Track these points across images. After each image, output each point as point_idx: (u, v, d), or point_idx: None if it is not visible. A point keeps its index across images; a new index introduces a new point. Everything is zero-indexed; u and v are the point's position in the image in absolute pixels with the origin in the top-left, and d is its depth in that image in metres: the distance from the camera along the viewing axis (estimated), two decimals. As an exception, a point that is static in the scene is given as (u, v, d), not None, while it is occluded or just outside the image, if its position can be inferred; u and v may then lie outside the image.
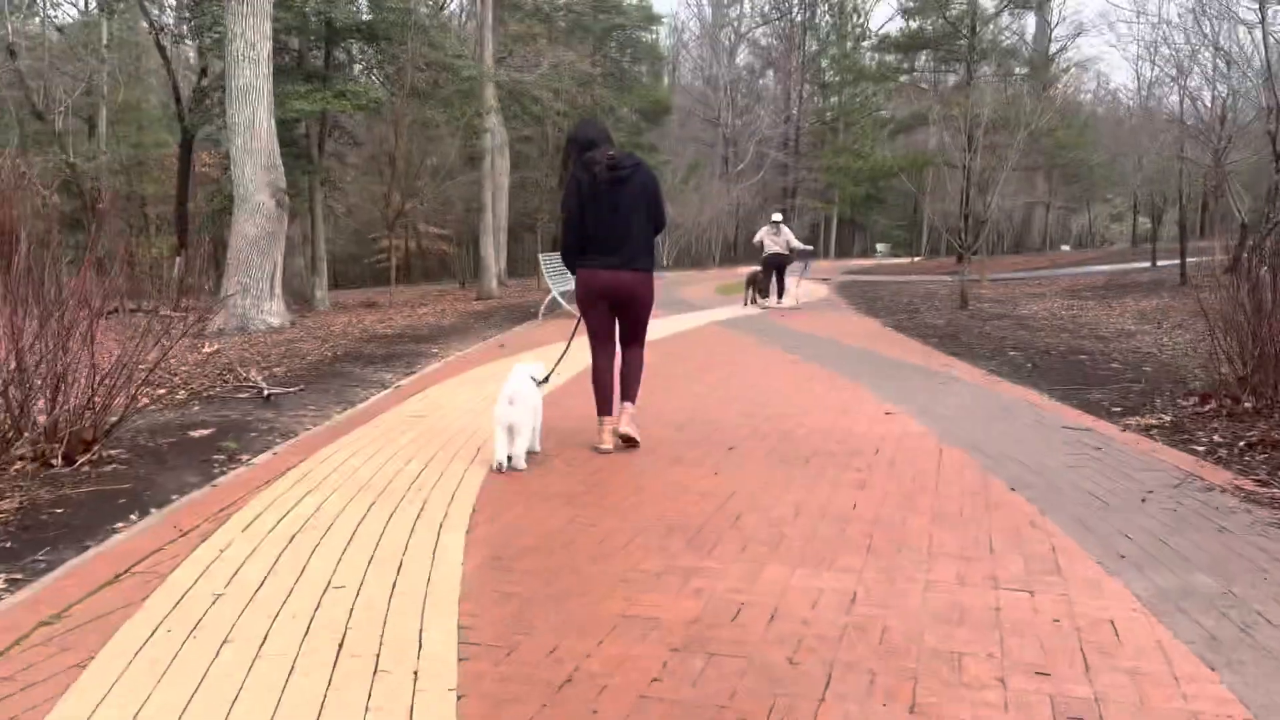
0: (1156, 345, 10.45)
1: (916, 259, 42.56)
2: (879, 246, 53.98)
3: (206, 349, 10.75)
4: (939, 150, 33.55)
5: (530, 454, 5.04)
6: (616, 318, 5.36)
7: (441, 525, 3.98)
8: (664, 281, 26.95)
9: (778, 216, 16.84)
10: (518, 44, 25.69)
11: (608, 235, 5.11)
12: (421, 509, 4.21)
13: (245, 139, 13.27)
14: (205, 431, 6.18)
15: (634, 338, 5.46)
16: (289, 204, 13.84)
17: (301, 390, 7.74)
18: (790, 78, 53.99)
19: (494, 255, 20.47)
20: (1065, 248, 50.32)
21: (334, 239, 40.11)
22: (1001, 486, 4.58)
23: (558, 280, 14.20)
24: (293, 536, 3.84)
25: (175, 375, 8.66)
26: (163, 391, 7.76)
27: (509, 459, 4.83)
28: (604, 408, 5.38)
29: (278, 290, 13.60)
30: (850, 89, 51.96)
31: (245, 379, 8.04)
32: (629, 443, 5.27)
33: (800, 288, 19.43)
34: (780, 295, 16.45)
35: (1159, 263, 25.22)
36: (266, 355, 9.99)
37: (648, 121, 40.81)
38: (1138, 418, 6.37)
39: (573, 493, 4.46)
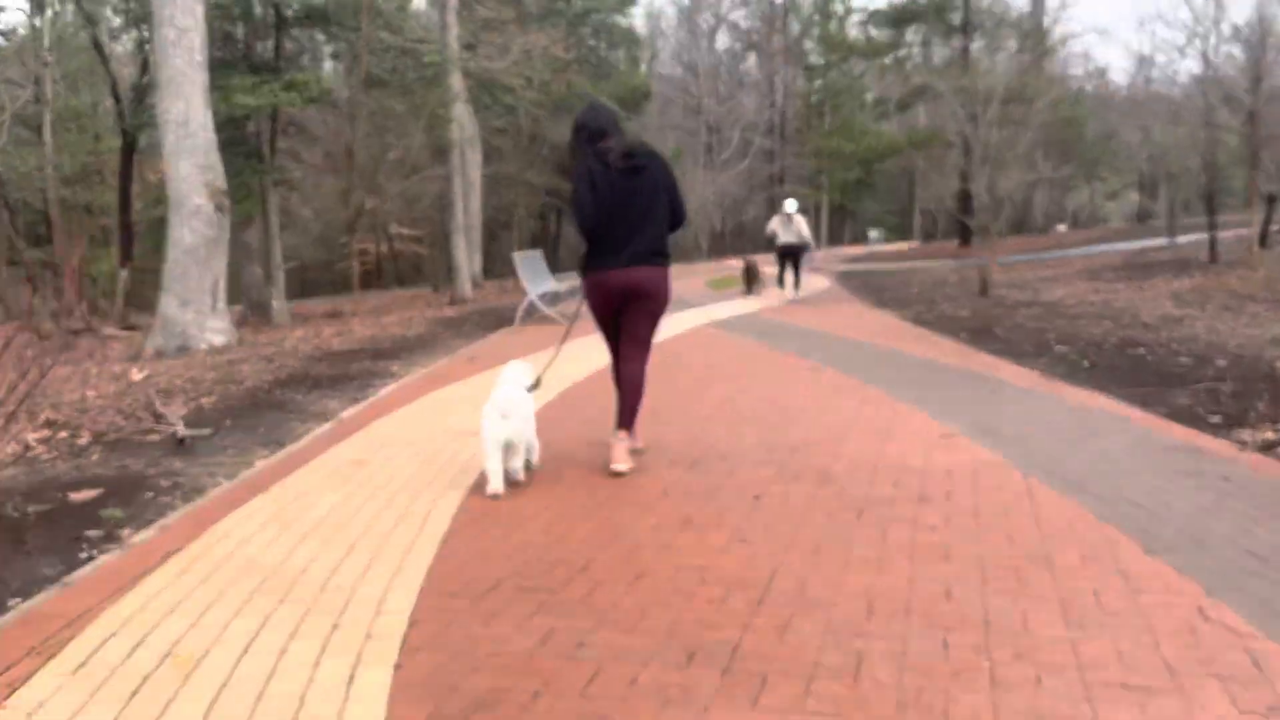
0: (1211, 331, 9.36)
1: (913, 245, 41.50)
2: (871, 233, 52.95)
3: (136, 376, 9.54)
4: (935, 127, 32.44)
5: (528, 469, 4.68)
6: (621, 321, 4.91)
7: (361, 653, 2.80)
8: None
9: (791, 207, 16.19)
10: (486, 29, 24.46)
11: (620, 232, 4.70)
12: (337, 622, 3.03)
13: (178, 135, 12.04)
14: (91, 493, 4.98)
15: (639, 343, 4.95)
16: (230, 207, 12.60)
17: (226, 428, 6.54)
18: (773, 61, 52.85)
19: (466, 256, 19.27)
20: (1061, 228, 49.34)
21: (299, 244, 38.90)
22: (1134, 548, 3.43)
23: (535, 281, 13.04)
24: (145, 679, 2.67)
25: (86, 411, 7.46)
26: (64, 435, 6.58)
27: (508, 475, 4.44)
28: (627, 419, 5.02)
29: (222, 304, 12.37)
30: (837, 69, 50.88)
31: (161, 416, 6.84)
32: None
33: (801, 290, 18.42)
34: (796, 285, 15.90)
35: (1175, 240, 24.31)
36: (199, 382, 8.78)
37: (626, 109, 39.56)
38: (1249, 430, 5.25)
39: (551, 582, 3.29)
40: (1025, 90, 22.31)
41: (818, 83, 52.08)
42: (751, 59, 56.59)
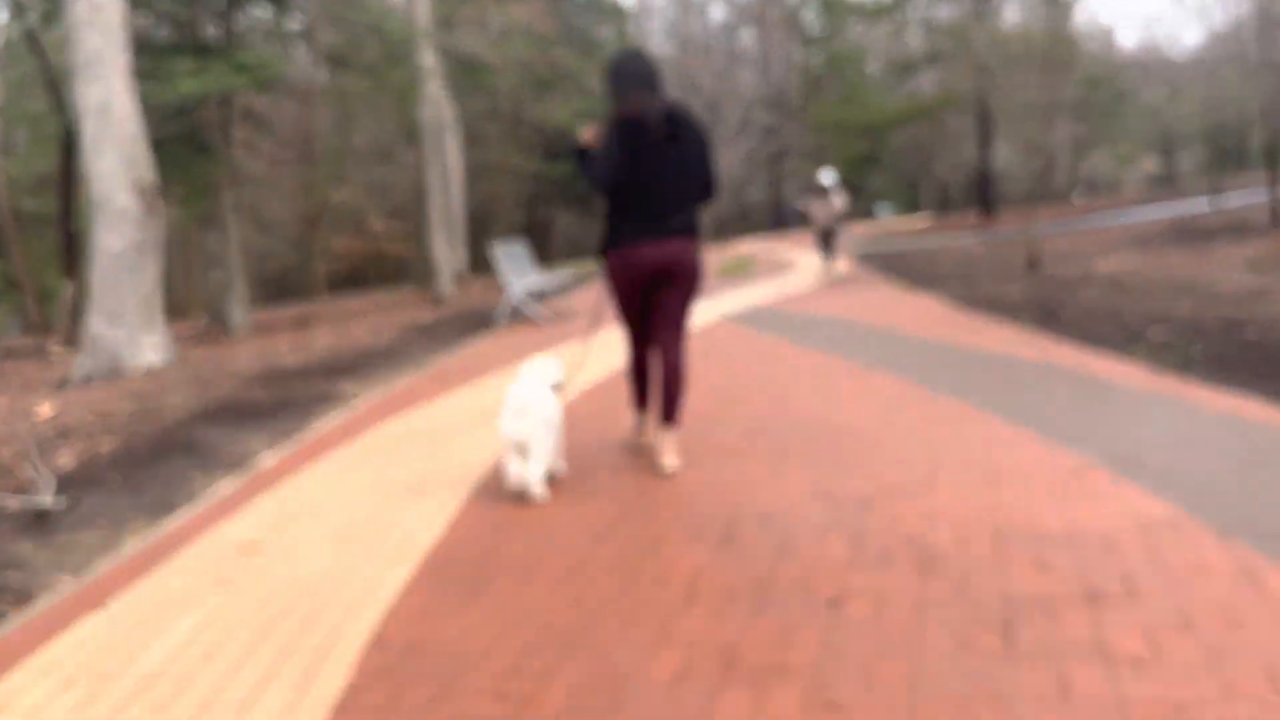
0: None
1: (928, 220, 40.00)
2: (878, 208, 51.42)
3: (46, 412, 8.14)
4: (950, 90, 30.85)
5: (552, 477, 4.27)
6: (653, 302, 4.47)
7: None
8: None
9: (829, 178, 14.67)
10: (464, 3, 23.01)
11: (653, 204, 4.33)
12: None
13: (98, 125, 10.62)
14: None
15: (675, 327, 4.50)
16: (162, 206, 11.17)
17: (110, 486, 5.13)
18: (770, 33, 51.27)
19: (447, 251, 17.85)
20: (1075, 196, 47.78)
21: (274, 246, 37.48)
22: None
23: (518, 276, 11.62)
24: None
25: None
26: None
27: (521, 485, 4.10)
28: (640, 401, 4.83)
29: (158, 317, 10.95)
30: (838, 38, 49.26)
31: (29, 481, 5.43)
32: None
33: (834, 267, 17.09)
34: (832, 257, 14.95)
35: (1219, 202, 22.89)
36: (109, 417, 7.37)
37: (618, 89, 38.06)
38: None
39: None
40: (1055, 48, 20.85)
41: (818, 54, 50.48)
42: (748, 32, 55.02)
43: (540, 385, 4.21)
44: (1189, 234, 16.94)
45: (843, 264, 16.94)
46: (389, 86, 14.91)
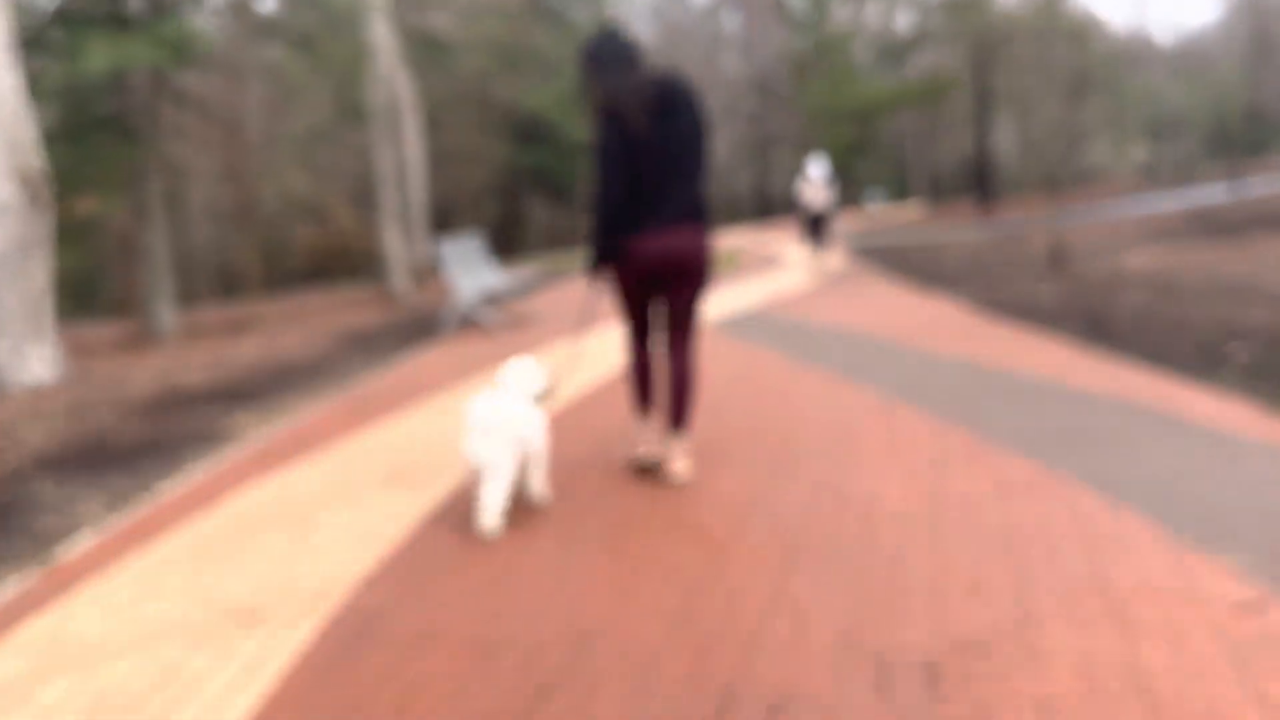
0: None
1: (924, 208, 38.73)
2: (869, 197, 50.14)
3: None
4: (943, 74, 29.54)
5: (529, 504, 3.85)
6: (660, 300, 4.09)
7: None
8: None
9: (817, 168, 14.25)
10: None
11: (653, 189, 3.91)
12: None
13: (-29, 103, 9.15)
14: None
15: (684, 325, 4.13)
16: (50, 198, 9.71)
17: None
18: (754, 16, 49.84)
19: (403, 245, 16.41)
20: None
21: (232, 239, 35.86)
22: None
23: (470, 276, 10.22)
24: None
25: None
26: None
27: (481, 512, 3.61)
28: (642, 406, 4.26)
29: (49, 324, 9.50)
30: (826, 22, 47.90)
31: None
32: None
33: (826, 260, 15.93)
34: (821, 247, 14.45)
35: (1239, 190, 21.75)
36: (-62, 459, 5.94)
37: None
38: None
39: None
40: (1057, 22, 19.63)
41: (805, 38, 49.07)
42: (731, 16, 53.59)
43: (515, 395, 3.73)
44: (1214, 225, 15.70)
45: (835, 259, 15.77)
46: (330, 62, 13.41)
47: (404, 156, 20.35)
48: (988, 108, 28.48)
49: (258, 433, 6.07)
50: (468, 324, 10.41)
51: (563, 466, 4.45)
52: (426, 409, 6.20)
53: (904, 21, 33.33)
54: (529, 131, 32.18)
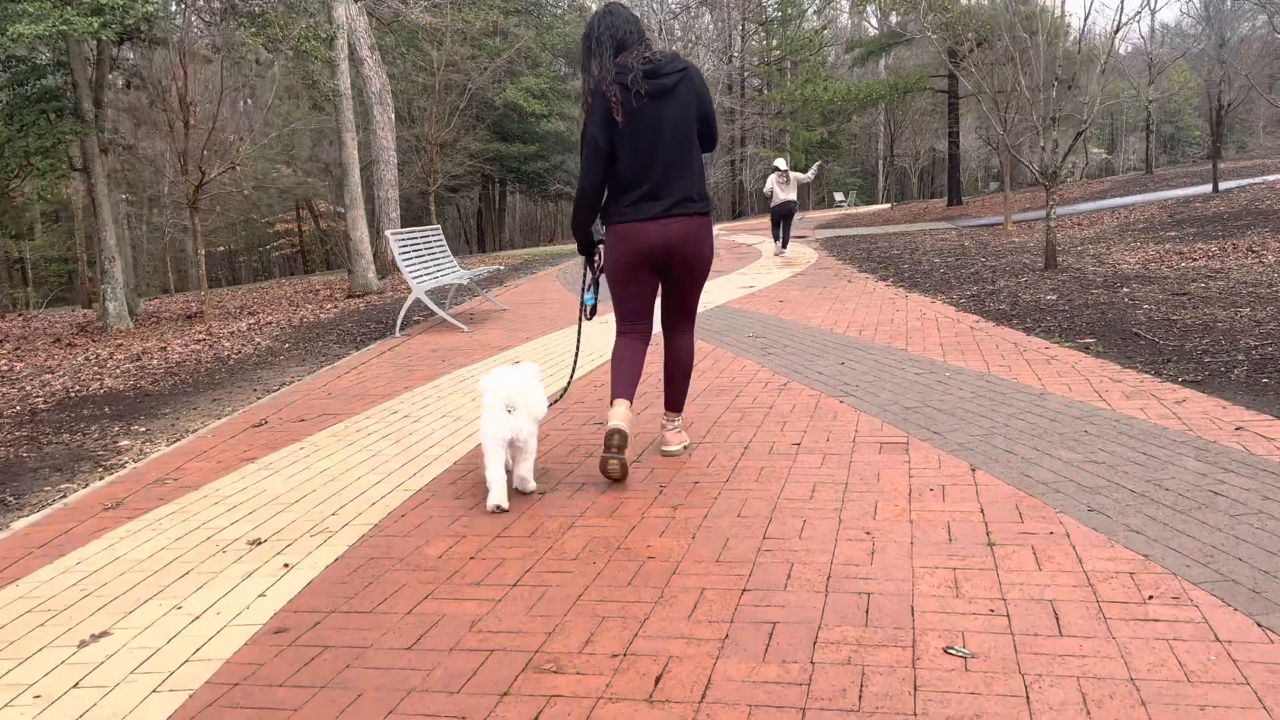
0: None
1: (893, 206, 37.56)
2: (838, 195, 49.03)
3: None
4: (918, 71, 28.28)
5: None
6: (658, 288, 3.83)
7: None
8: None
9: (783, 164, 15.58)
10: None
11: (649, 172, 3.60)
12: None
13: None
14: None
15: (685, 315, 3.93)
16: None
17: None
18: (727, 15, 48.41)
19: (367, 236, 15.01)
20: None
21: (218, 227, 34.24)
22: None
23: (419, 271, 8.89)
24: None
25: None
26: None
27: (517, 484, 3.54)
28: (620, 389, 3.72)
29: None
30: (796, 23, 46.61)
31: None
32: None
33: (789, 249, 15.03)
34: (785, 244, 15.32)
35: (1188, 188, 20.64)
36: None
37: (572, 66, 35.08)
38: None
39: None
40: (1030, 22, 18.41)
41: (777, 37, 47.75)
42: (706, 16, 52.13)
43: (530, 378, 3.48)
44: (1199, 221, 14.54)
45: (792, 251, 15.52)
46: (289, 43, 11.99)
47: (376, 145, 18.93)
48: (956, 107, 27.30)
49: (139, 459, 4.75)
50: (420, 321, 9.09)
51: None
52: (341, 434, 4.90)
53: (877, 20, 31.99)
54: (507, 123, 30.70)
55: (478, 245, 35.55)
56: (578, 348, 4.27)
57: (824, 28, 47.16)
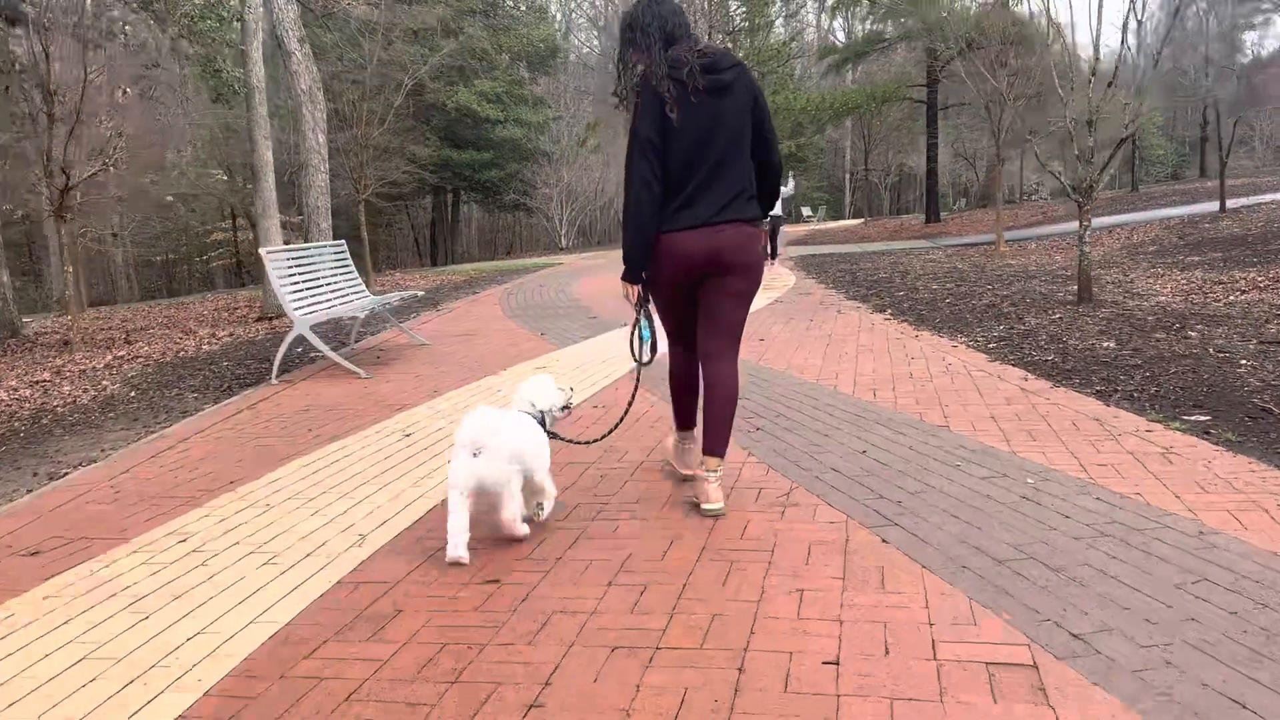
0: None
1: (865, 222, 36.07)
2: (806, 210, 47.57)
3: None
4: (893, 80, 26.77)
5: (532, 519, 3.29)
6: (702, 303, 3.46)
7: None
8: (559, 271, 19.79)
9: None
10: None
11: (696, 175, 3.28)
12: None
13: None
14: None
15: (729, 336, 3.45)
16: None
17: None
18: (696, 25, 46.90)
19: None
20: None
21: (159, 234, 32.01)
22: None
23: (307, 300, 7.02)
24: None
25: None
26: None
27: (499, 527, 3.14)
28: (684, 420, 3.74)
29: None
30: (763, 33, 45.17)
31: None
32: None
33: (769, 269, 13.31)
34: (773, 258, 14.86)
35: (1181, 207, 19.26)
36: None
37: (533, 69, 33.27)
38: None
39: None
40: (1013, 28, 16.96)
41: (744, 46, 46.25)
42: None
43: (510, 413, 3.17)
44: (1218, 244, 13.04)
45: (769, 270, 13.47)
46: (178, 21, 10.08)
47: (303, 148, 16.99)
48: (934, 120, 25.83)
49: None
50: (314, 360, 7.22)
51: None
52: (78, 589, 3.05)
53: (845, 32, 30.46)
54: (460, 129, 28.78)
55: (430, 259, 33.55)
56: (634, 393, 3.93)
57: (792, 39, 45.88)
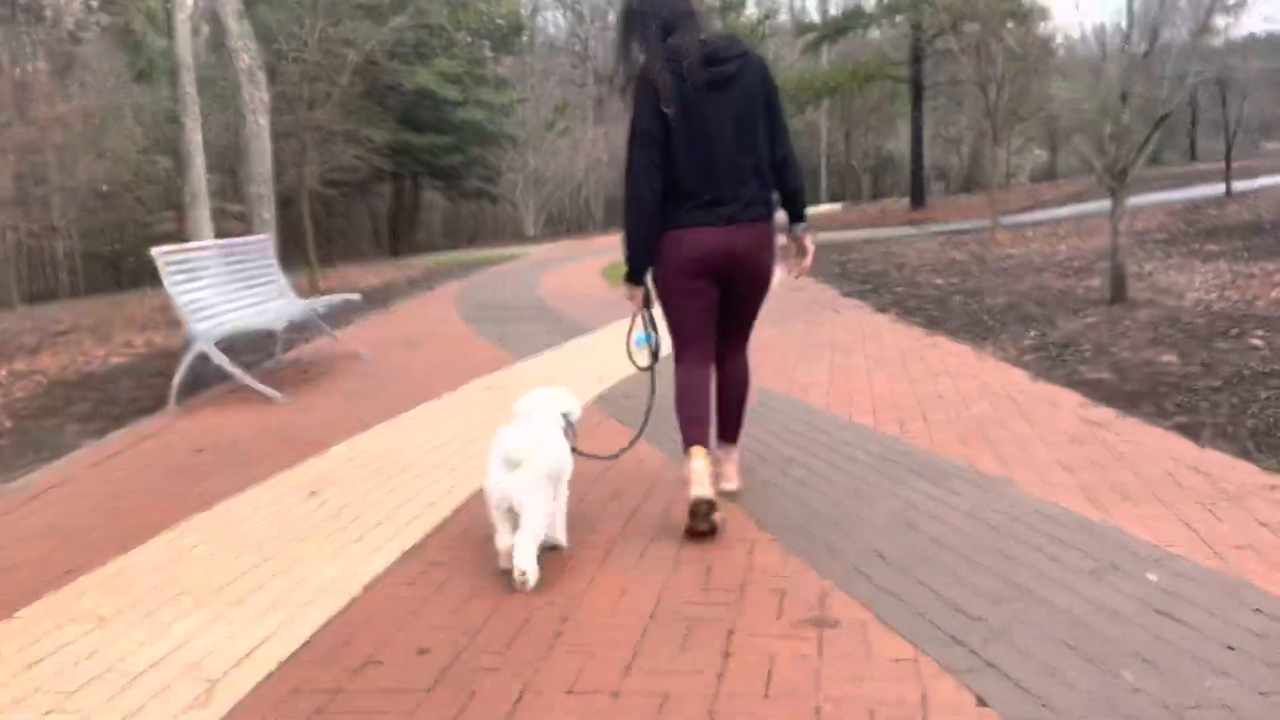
0: None
1: (846, 207, 35.25)
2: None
3: None
4: (877, 58, 25.86)
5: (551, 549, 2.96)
6: (717, 304, 3.32)
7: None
8: (523, 263, 18.76)
9: None
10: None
11: (707, 176, 3.15)
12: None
13: None
14: None
15: (740, 335, 3.47)
16: None
17: None
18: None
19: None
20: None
21: (110, 222, 30.56)
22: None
23: (214, 308, 5.96)
24: None
25: None
26: None
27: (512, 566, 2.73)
28: (697, 431, 3.20)
29: None
30: (737, 13, 44.20)
31: None
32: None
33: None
34: None
35: (1176, 191, 18.52)
36: None
37: (496, 48, 32.08)
38: None
39: None
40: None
41: (717, 23, 45.29)
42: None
43: (545, 423, 2.94)
44: (1234, 232, 12.25)
45: None
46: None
47: (243, 132, 15.83)
48: (920, 101, 24.96)
49: None
50: (219, 379, 6.17)
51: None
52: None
53: (830, 7, 29.46)
54: (419, 111, 27.55)
55: (390, 250, 32.36)
56: (650, 402, 3.56)
57: (766, 18, 45.02)
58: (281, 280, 7.04)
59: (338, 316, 9.81)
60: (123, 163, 24.24)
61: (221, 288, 6.17)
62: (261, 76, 15.90)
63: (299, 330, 8.35)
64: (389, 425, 4.95)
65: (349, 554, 3.14)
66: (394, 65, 24.83)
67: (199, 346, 5.62)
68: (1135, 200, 18.83)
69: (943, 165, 47.73)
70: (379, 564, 3.03)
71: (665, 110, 3.09)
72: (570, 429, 3.16)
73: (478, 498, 3.56)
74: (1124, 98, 7.05)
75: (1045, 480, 3.44)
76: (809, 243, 3.50)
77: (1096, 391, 4.71)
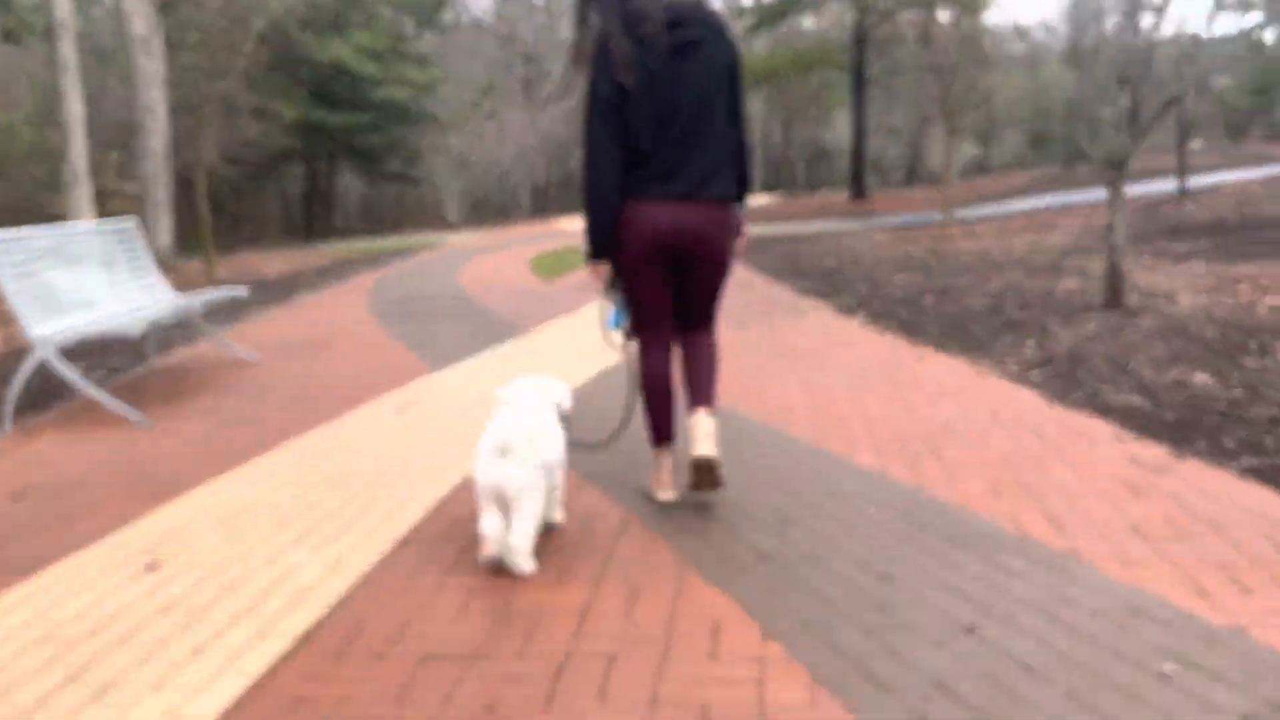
0: None
1: (783, 199, 34.70)
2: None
3: None
4: (821, 44, 25.28)
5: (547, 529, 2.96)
6: (673, 287, 3.21)
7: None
8: (446, 251, 17.62)
9: None
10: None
11: (667, 143, 3.01)
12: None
13: None
14: None
15: (704, 314, 3.30)
16: None
17: None
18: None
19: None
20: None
21: (6, 211, 28.47)
22: None
23: (43, 312, 4.93)
24: None
25: None
26: None
27: (505, 551, 2.72)
28: (663, 431, 3.26)
29: None
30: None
31: None
32: (704, 479, 3.04)
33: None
34: None
35: (1129, 185, 18.21)
36: None
37: (419, 23, 30.73)
38: None
39: None
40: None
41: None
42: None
43: (538, 411, 2.87)
44: (1199, 231, 11.90)
45: None
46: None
47: (137, 105, 14.55)
48: (863, 89, 24.45)
49: None
50: (65, 394, 5.14)
51: None
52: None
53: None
54: (335, 87, 26.16)
55: (304, 234, 30.87)
56: (630, 390, 3.34)
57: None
58: (153, 272, 6.00)
59: (228, 312, 8.74)
60: (6, 132, 22.48)
61: (75, 281, 5.13)
62: (158, 46, 14.63)
63: (180, 328, 7.30)
64: (267, 459, 4.00)
65: (180, 680, 2.23)
66: (306, 36, 23.48)
67: (38, 354, 4.59)
68: (1088, 196, 18.58)
69: (878, 157, 47.67)
70: (214, 704, 2.13)
71: (624, 79, 2.94)
72: (565, 420, 3.02)
73: (368, 584, 2.68)
74: (1122, 83, 6.39)
75: (1124, 556, 2.68)
76: (744, 228, 3.28)
77: (1131, 421, 4.00)
